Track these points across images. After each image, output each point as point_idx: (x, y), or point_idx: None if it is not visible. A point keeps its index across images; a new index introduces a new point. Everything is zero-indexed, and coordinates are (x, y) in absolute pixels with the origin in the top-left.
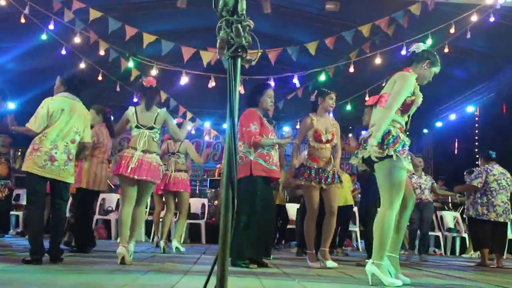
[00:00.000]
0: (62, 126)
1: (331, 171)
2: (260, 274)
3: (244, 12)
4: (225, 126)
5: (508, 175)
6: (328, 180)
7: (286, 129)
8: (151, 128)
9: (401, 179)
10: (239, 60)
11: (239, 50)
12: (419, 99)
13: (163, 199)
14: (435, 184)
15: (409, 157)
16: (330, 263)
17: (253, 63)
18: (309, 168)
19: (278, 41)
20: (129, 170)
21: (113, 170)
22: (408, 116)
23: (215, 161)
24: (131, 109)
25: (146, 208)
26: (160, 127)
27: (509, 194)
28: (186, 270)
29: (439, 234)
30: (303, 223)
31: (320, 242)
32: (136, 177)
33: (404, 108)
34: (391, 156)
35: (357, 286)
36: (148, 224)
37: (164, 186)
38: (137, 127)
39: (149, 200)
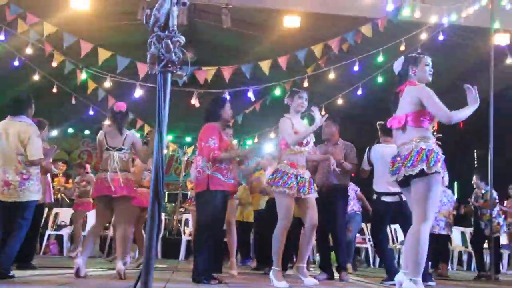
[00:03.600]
0: (4, 151)
1: (308, 179)
2: None
3: (175, 28)
4: (188, 139)
5: (449, 192)
6: (305, 189)
7: (249, 142)
8: (120, 149)
9: (438, 193)
10: (169, 75)
11: (169, 65)
12: None
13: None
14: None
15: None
16: (309, 281)
17: (184, 79)
18: (287, 174)
19: (237, 54)
20: (113, 189)
21: (92, 194)
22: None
23: (177, 174)
24: (101, 133)
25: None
26: (128, 148)
27: (450, 209)
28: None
29: (393, 247)
30: (264, 236)
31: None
32: (115, 195)
33: (429, 117)
34: (438, 172)
35: None
36: (103, 239)
37: (146, 203)
38: (107, 149)
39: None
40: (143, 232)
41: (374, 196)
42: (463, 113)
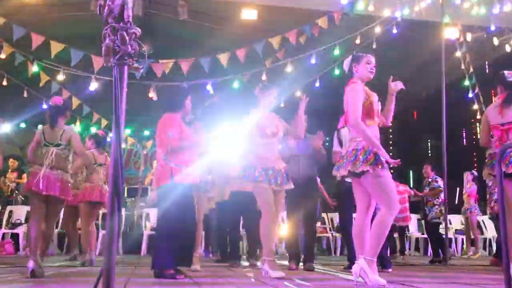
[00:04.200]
0: None
1: (281, 170)
2: (165, 284)
3: (130, 20)
4: (147, 133)
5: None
6: (278, 179)
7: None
8: (58, 145)
9: (387, 183)
10: (125, 68)
11: (125, 57)
12: (374, 97)
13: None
14: None
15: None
16: (276, 273)
17: (141, 71)
18: (255, 168)
19: (195, 47)
20: (41, 186)
21: (24, 186)
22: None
23: (136, 168)
24: (40, 128)
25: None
26: (67, 144)
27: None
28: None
29: None
30: (226, 228)
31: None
32: (45, 193)
33: (369, 113)
34: (367, 171)
35: None
36: (61, 237)
37: (94, 197)
38: (45, 145)
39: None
40: (94, 227)
41: (339, 178)
42: (367, 136)
